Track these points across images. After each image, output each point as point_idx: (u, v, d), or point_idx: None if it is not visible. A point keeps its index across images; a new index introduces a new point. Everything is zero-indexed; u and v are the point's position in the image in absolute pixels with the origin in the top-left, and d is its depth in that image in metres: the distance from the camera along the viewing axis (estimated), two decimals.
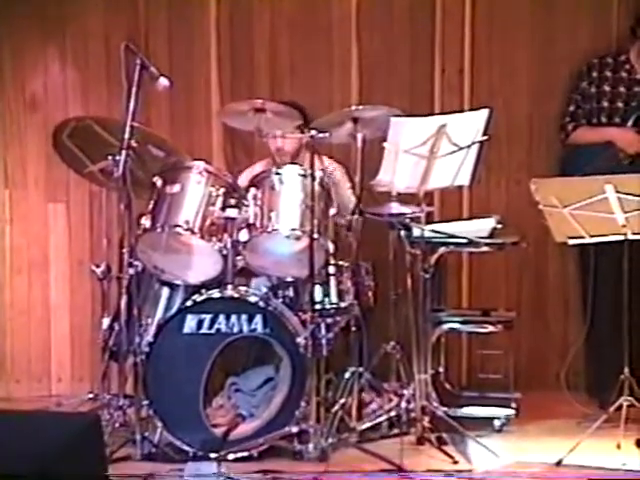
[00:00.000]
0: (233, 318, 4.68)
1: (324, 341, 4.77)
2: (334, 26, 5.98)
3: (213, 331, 4.69)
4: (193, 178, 4.89)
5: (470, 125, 4.81)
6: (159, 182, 4.88)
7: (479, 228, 5.13)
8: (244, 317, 4.68)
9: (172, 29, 5.98)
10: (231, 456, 4.57)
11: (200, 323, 4.69)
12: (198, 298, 4.75)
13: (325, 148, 5.22)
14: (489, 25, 5.96)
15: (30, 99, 5.97)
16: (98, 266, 5.10)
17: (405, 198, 4.87)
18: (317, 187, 4.75)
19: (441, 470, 4.45)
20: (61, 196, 5.98)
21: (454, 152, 4.80)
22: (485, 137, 4.82)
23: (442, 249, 5.08)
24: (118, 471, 4.20)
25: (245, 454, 4.59)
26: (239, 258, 4.81)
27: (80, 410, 5.10)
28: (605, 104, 5.65)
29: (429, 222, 5.04)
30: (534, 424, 5.20)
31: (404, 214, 4.88)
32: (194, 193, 4.86)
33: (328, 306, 4.88)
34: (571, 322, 5.95)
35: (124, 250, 4.76)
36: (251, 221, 4.78)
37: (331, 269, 4.92)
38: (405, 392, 4.98)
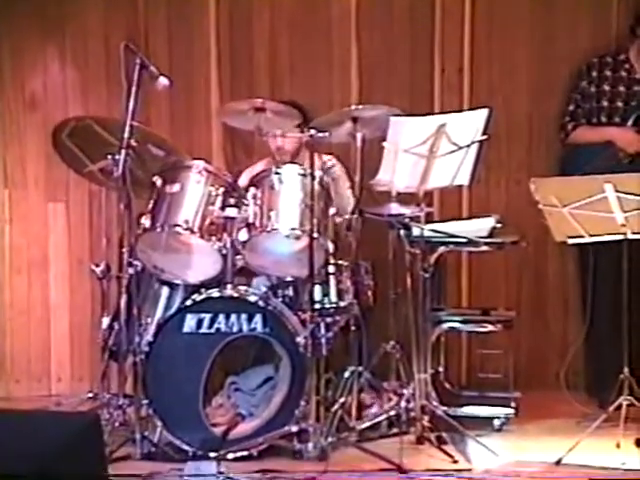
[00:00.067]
0: (233, 317, 4.68)
1: (324, 340, 4.77)
2: (334, 25, 5.98)
3: (213, 330, 4.69)
4: (193, 177, 4.89)
5: (470, 124, 4.81)
6: (159, 181, 4.88)
7: (479, 227, 5.13)
8: (244, 316, 4.68)
9: (172, 28, 5.98)
10: (231, 455, 4.57)
11: (200, 322, 4.69)
12: (198, 297, 4.75)
13: (325, 147, 5.22)
14: (489, 24, 5.96)
15: (30, 98, 5.97)
16: (98, 265, 5.10)
17: (405, 198, 4.87)
18: (317, 186, 4.75)
19: (441, 469, 4.45)
20: (61, 196, 5.98)
21: (454, 151, 4.80)
22: (485, 136, 4.82)
23: (442, 248, 5.08)
24: (118, 470, 4.20)
25: (245, 453, 4.59)
26: (239, 257, 4.81)
27: (80, 409, 5.10)
28: (605, 103, 5.65)
29: (429, 222, 5.04)
30: (534, 423, 5.20)
31: (404, 214, 4.88)
32: (194, 192, 4.86)
33: (328, 305, 4.88)
34: (571, 321, 5.95)
35: (124, 249, 4.76)
36: (251, 220, 4.78)
37: (331, 268, 4.92)
38: (405, 391, 4.99)
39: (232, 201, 4.85)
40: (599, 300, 5.23)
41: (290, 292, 5.00)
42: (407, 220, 4.96)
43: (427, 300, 4.93)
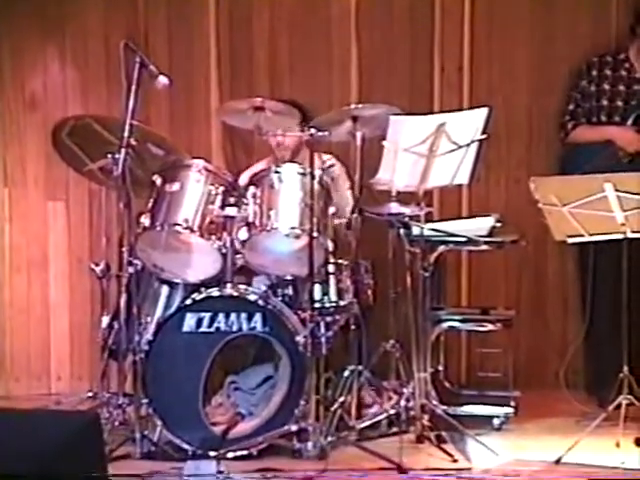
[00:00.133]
0: (232, 316, 4.68)
1: (323, 339, 4.77)
2: (333, 24, 5.98)
3: (212, 330, 4.69)
4: (192, 176, 4.89)
5: (469, 124, 4.81)
6: (158, 180, 4.88)
7: (478, 227, 5.13)
8: (243, 315, 4.68)
9: (172, 28, 5.98)
10: (230, 454, 4.57)
11: (199, 321, 4.69)
12: (197, 296, 4.75)
13: (325, 146, 5.22)
14: (489, 23, 5.96)
15: (30, 98, 5.97)
16: (97, 264, 5.09)
17: (404, 197, 4.87)
18: (316, 186, 4.75)
19: (440, 468, 4.45)
20: (60, 194, 5.99)
21: (453, 151, 4.81)
22: (484, 135, 4.83)
23: (441, 248, 5.08)
24: (117, 469, 4.19)
25: (244, 452, 4.59)
26: (238, 257, 4.81)
27: (79, 408, 5.10)
28: (605, 103, 5.65)
29: (428, 221, 5.04)
30: (533, 422, 5.20)
31: (403, 213, 4.88)
32: (193, 191, 4.86)
33: (327, 304, 4.88)
34: (570, 320, 5.95)
35: (123, 248, 4.76)
36: (250, 219, 4.78)
37: (330, 268, 4.92)
38: (404, 390, 4.99)
39: (232, 200, 4.85)
40: (599, 299, 5.22)
41: (290, 291, 4.99)
42: (407, 219, 4.96)
43: (427, 299, 4.93)
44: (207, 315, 4.69)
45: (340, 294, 4.94)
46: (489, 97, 5.79)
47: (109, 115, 5.33)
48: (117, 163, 4.72)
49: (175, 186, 4.86)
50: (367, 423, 4.91)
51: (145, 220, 4.80)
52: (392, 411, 4.97)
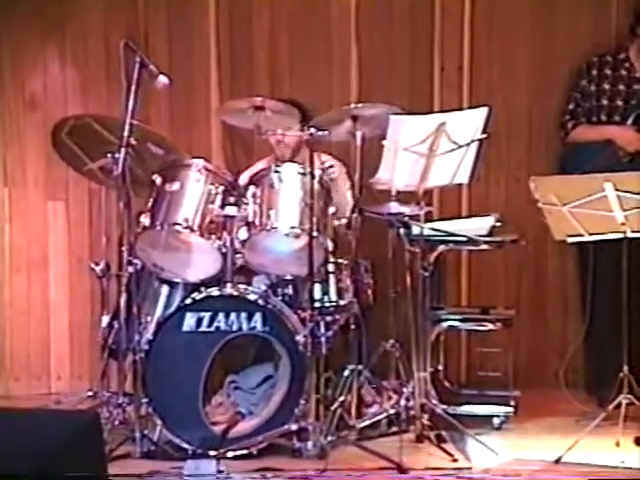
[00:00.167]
0: (232, 316, 4.68)
1: (323, 339, 4.77)
2: (333, 24, 5.98)
3: (212, 329, 4.69)
4: (192, 176, 4.89)
5: (469, 123, 4.82)
6: (158, 180, 4.88)
7: (478, 226, 5.13)
8: (243, 315, 4.68)
9: (172, 28, 5.98)
10: (230, 454, 4.57)
11: (199, 321, 4.69)
12: (197, 296, 4.75)
13: (324, 146, 5.22)
14: (489, 23, 5.96)
15: (30, 98, 5.97)
16: (97, 264, 5.09)
17: (404, 198, 4.87)
18: (316, 185, 4.75)
19: (440, 468, 4.45)
20: (60, 194, 5.99)
21: (453, 150, 4.81)
22: (484, 135, 4.83)
23: (441, 247, 5.08)
24: (117, 469, 4.20)
25: (244, 452, 4.59)
26: (238, 256, 4.81)
27: (79, 408, 5.10)
28: (605, 102, 5.65)
29: (428, 220, 5.04)
30: (533, 422, 5.20)
31: (403, 213, 4.88)
32: (193, 191, 4.86)
33: (327, 304, 4.89)
34: (570, 320, 5.95)
35: (123, 248, 4.76)
36: (250, 219, 4.79)
37: (330, 267, 4.92)
38: (404, 390, 4.98)
39: (232, 199, 4.85)
40: (599, 299, 5.22)
41: (290, 291, 4.99)
42: (407, 219, 4.96)
43: (427, 299, 4.94)
44: (207, 315, 4.69)
45: (340, 294, 4.94)
46: (489, 97, 5.79)
47: (109, 115, 5.32)
48: (117, 162, 4.72)
49: (175, 185, 4.86)
50: (367, 422, 4.91)
51: (145, 219, 4.80)
52: (392, 410, 4.97)
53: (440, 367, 5.37)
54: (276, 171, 4.86)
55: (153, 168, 4.94)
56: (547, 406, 5.38)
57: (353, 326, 4.92)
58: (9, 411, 3.98)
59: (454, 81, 5.95)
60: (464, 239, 5.08)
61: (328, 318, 4.86)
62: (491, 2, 5.96)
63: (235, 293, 4.76)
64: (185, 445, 4.62)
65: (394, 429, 4.93)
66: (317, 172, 4.79)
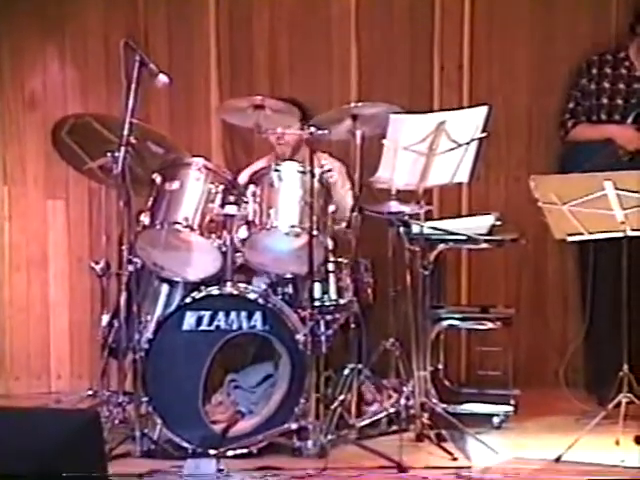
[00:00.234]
0: (232, 315, 4.68)
1: (323, 338, 4.77)
2: (333, 23, 5.98)
3: (212, 328, 4.69)
4: (192, 175, 4.89)
5: (469, 122, 4.81)
6: (158, 179, 4.88)
7: (478, 225, 5.13)
8: (243, 314, 4.68)
9: (171, 27, 5.98)
10: (230, 453, 4.57)
11: (199, 320, 4.69)
12: (197, 295, 4.75)
13: (324, 145, 5.22)
14: (489, 23, 5.96)
15: (29, 97, 5.97)
16: (97, 263, 5.09)
17: (404, 196, 4.88)
18: (316, 184, 4.75)
19: (440, 467, 4.45)
20: (60, 193, 5.99)
21: (453, 149, 4.81)
22: (484, 134, 4.83)
23: (441, 246, 5.08)
24: (117, 468, 4.18)
25: (244, 451, 4.59)
26: (238, 255, 4.81)
27: (79, 407, 5.09)
28: (605, 101, 5.65)
29: (428, 219, 5.04)
30: (533, 421, 5.20)
31: (403, 212, 4.88)
32: (193, 190, 4.86)
33: (327, 303, 4.89)
34: (570, 319, 5.95)
35: (123, 247, 4.76)
36: (250, 218, 4.78)
37: (330, 266, 4.92)
38: (404, 389, 4.99)
39: (232, 199, 4.85)
40: (599, 297, 5.22)
41: (290, 290, 4.99)
42: (407, 218, 4.96)
43: (427, 298, 4.93)
44: (207, 313, 4.69)
45: (340, 292, 4.94)
46: (489, 96, 5.78)
47: (109, 114, 5.33)
48: (117, 161, 4.71)
49: (175, 184, 4.86)
50: (367, 421, 4.91)
51: (145, 218, 4.80)
52: (392, 409, 4.97)
53: (440, 366, 5.38)
54: (276, 170, 4.85)
55: (153, 167, 4.94)
56: (547, 405, 5.38)
57: (353, 325, 4.92)
58: (9, 410, 3.98)
59: (454, 80, 5.95)
60: (464, 238, 5.08)
61: (328, 317, 4.86)
62: (491, 2, 5.96)
63: (235, 292, 4.76)
64: (185, 444, 4.62)
65: (394, 428, 4.93)
66: (317, 171, 4.79)
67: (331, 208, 4.92)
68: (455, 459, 4.56)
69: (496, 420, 5.11)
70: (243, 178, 5.28)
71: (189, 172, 4.89)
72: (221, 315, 4.69)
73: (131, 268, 4.74)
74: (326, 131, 4.80)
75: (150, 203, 4.84)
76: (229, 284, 4.77)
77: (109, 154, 4.82)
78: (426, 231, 4.96)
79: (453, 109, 5.11)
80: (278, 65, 5.99)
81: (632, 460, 4.42)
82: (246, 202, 4.81)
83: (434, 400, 4.92)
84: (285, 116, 5.04)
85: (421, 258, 4.94)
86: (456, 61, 5.95)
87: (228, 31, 5.99)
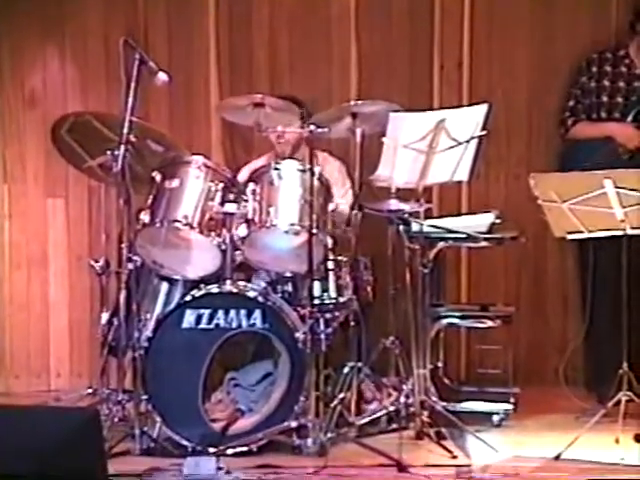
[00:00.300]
0: (232, 313, 4.68)
1: (323, 336, 4.77)
2: (333, 21, 5.98)
3: (212, 326, 4.69)
4: (192, 173, 4.89)
5: (469, 120, 4.81)
6: (158, 177, 4.88)
7: (478, 223, 5.13)
8: (243, 312, 4.68)
9: (171, 26, 5.98)
10: (230, 451, 4.57)
11: (199, 318, 4.69)
12: (197, 293, 4.75)
13: (324, 143, 5.22)
14: (489, 23, 5.96)
15: (29, 95, 5.97)
16: (97, 261, 5.10)
17: (404, 194, 4.87)
18: (316, 182, 4.75)
19: (440, 465, 4.45)
20: (60, 191, 5.99)
21: (453, 147, 4.81)
22: (484, 132, 4.83)
23: (441, 244, 5.08)
24: (117, 466, 4.19)
25: (244, 449, 4.59)
26: (238, 253, 4.81)
27: (79, 405, 5.09)
28: (605, 99, 5.65)
29: (428, 217, 5.04)
30: (533, 419, 5.20)
31: (403, 210, 4.88)
32: (193, 188, 4.86)
33: (327, 301, 4.89)
34: (570, 317, 5.95)
35: (123, 245, 4.76)
36: (250, 216, 4.78)
37: (330, 264, 4.92)
38: (404, 387, 4.99)
39: (231, 197, 4.85)
40: (598, 296, 5.22)
41: (289, 288, 4.99)
42: (406, 216, 4.96)
43: (426, 296, 4.94)
44: (206, 312, 4.69)
45: (339, 291, 4.94)
46: (489, 94, 5.77)
47: (108, 112, 5.32)
48: (116, 160, 4.71)
49: (175, 182, 4.86)
50: (367, 419, 4.91)
51: (145, 217, 4.80)
52: (392, 407, 4.97)
53: (440, 364, 5.38)
54: (276, 168, 4.85)
55: (153, 165, 4.94)
56: (547, 403, 5.38)
57: (353, 323, 4.93)
58: (9, 408, 3.99)
59: (454, 79, 5.95)
60: (464, 236, 5.08)
61: (328, 315, 4.87)
62: (491, 2, 5.95)
63: (234, 290, 4.76)
64: (185, 442, 4.62)
65: (394, 426, 4.93)
66: (317, 169, 4.79)
67: (331, 206, 4.91)
68: (455, 457, 4.56)
69: (496, 418, 5.11)
70: (243, 176, 5.28)
71: (189, 170, 4.89)
72: (221, 313, 4.69)
73: (131, 266, 4.74)
74: (326, 129, 4.79)
75: (150, 201, 4.84)
76: (229, 282, 4.77)
77: (109, 152, 4.82)
78: (426, 229, 4.96)
79: (453, 107, 5.10)
80: (278, 63, 5.99)
81: (632, 458, 4.42)
82: (246, 200, 4.81)
83: (434, 398, 4.92)
84: (285, 114, 5.04)
85: (421, 256, 4.93)
86: (456, 60, 5.94)
87: (228, 29, 5.98)
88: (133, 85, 4.70)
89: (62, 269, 6.01)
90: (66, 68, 5.98)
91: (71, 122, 5.06)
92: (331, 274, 4.93)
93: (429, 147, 4.76)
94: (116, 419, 4.82)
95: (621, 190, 4.50)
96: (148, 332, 4.75)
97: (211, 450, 4.53)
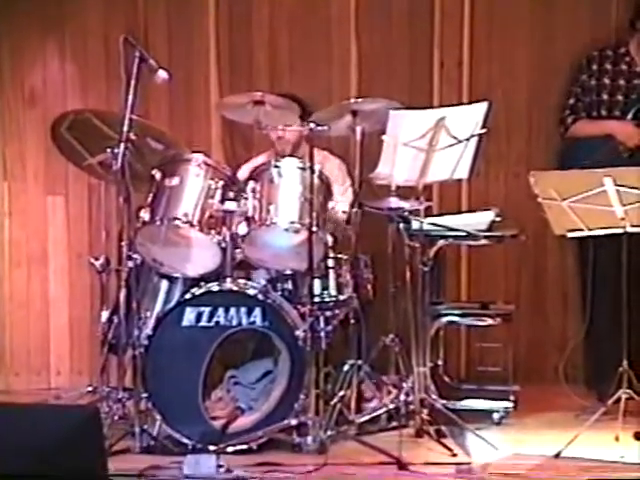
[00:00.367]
0: (232, 311, 4.68)
1: (323, 334, 4.77)
2: (333, 20, 5.98)
3: (212, 324, 4.69)
4: (192, 171, 4.88)
5: (469, 118, 4.81)
6: (158, 175, 4.88)
7: (478, 221, 5.13)
8: (243, 310, 4.68)
9: (171, 25, 5.99)
10: (230, 449, 4.57)
11: (199, 316, 4.69)
12: (197, 291, 4.75)
13: (324, 141, 5.22)
14: (489, 23, 5.96)
15: (29, 94, 5.97)
16: (97, 259, 5.10)
17: (404, 192, 4.87)
18: (316, 180, 4.75)
19: (440, 463, 4.45)
20: (60, 189, 5.99)
21: (453, 145, 4.80)
22: (484, 130, 4.83)
23: (441, 242, 5.08)
24: (117, 464, 4.18)
25: (244, 447, 4.59)
26: (238, 251, 4.81)
27: (79, 403, 5.10)
28: (605, 97, 5.65)
29: (428, 215, 5.04)
30: (533, 417, 5.20)
31: (403, 208, 4.88)
32: (193, 186, 4.86)
33: (327, 299, 4.89)
34: (570, 315, 5.95)
35: (123, 243, 4.76)
36: (250, 214, 4.78)
37: (330, 262, 4.93)
38: (404, 385, 4.98)
39: (231, 194, 4.85)
40: (598, 294, 5.22)
41: (289, 286, 4.99)
42: (406, 213, 4.96)
43: (426, 294, 4.94)
44: (207, 309, 4.69)
45: (339, 288, 4.95)
46: (489, 92, 5.77)
47: (108, 110, 5.32)
48: (116, 157, 4.71)
49: (175, 180, 4.86)
50: (367, 417, 4.91)
51: (145, 214, 4.80)
52: (391, 405, 4.97)
53: (440, 362, 5.38)
54: (276, 166, 4.85)
55: (153, 163, 4.94)
56: (547, 401, 5.38)
57: (353, 321, 4.93)
58: (9, 406, 3.98)
59: (454, 77, 5.95)
60: (464, 234, 5.08)
61: (328, 313, 4.87)
62: (491, 2, 5.95)
63: (235, 288, 4.76)
64: (185, 440, 4.62)
65: (394, 424, 4.93)
66: (317, 167, 4.79)
67: (330, 204, 4.92)
68: (455, 455, 4.56)
69: (496, 416, 5.11)
70: (243, 174, 5.28)
71: (189, 168, 4.89)
72: (221, 311, 4.69)
73: (131, 264, 4.74)
74: (326, 127, 4.79)
75: (150, 199, 4.84)
76: (229, 280, 4.77)
77: (109, 150, 4.83)
78: (426, 227, 4.96)
79: (453, 105, 5.10)
80: (278, 63, 5.99)
81: (632, 456, 4.41)
82: (246, 198, 4.81)
83: (434, 396, 4.92)
84: (285, 112, 5.04)
85: (421, 254, 4.93)
86: (456, 58, 5.94)
87: (228, 29, 5.99)
88: (133, 83, 4.70)
89: (62, 267, 6.01)
90: (66, 66, 5.98)
91: (71, 120, 5.06)
92: (331, 272, 4.93)
93: (429, 145, 4.76)
94: (116, 417, 4.82)
95: (621, 188, 4.50)
96: (148, 330, 4.75)
97: (211, 448, 4.54)
